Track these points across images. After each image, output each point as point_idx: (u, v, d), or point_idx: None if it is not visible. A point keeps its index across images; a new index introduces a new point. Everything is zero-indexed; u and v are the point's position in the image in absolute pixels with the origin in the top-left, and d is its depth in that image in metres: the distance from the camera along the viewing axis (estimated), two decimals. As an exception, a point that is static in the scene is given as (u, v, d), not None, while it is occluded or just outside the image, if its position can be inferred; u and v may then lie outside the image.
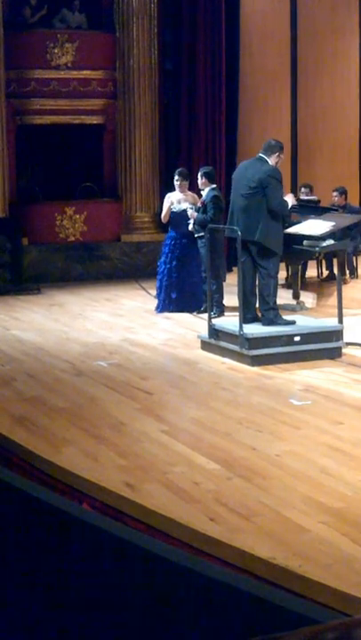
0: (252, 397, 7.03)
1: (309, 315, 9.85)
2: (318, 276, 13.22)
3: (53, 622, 2.60)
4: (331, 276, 12.79)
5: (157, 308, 11.09)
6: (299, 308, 10.70)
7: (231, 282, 10.69)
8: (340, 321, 8.59)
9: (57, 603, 2.60)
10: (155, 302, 11.30)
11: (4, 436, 6.07)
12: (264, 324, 8.44)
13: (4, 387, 7.54)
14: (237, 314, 8.43)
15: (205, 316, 9.12)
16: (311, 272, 13.11)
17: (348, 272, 13.08)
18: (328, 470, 5.27)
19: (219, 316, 10.04)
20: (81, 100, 14.36)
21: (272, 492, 4.93)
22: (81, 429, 6.21)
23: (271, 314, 8.49)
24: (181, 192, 11.03)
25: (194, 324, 10.08)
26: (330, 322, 8.87)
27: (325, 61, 16.65)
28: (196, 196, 11.00)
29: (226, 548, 4.26)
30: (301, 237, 10.21)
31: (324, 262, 13.22)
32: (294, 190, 14.95)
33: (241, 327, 8.14)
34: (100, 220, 14.41)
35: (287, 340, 8.21)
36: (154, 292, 11.69)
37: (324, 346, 8.28)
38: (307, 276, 12.81)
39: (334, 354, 8.28)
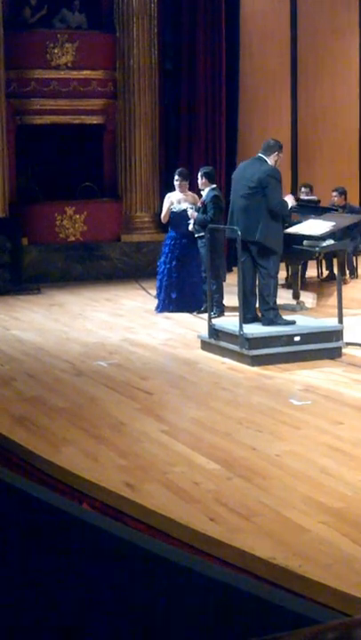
0: (252, 397, 7.04)
1: (309, 315, 9.85)
2: (318, 276, 13.22)
3: (53, 622, 2.60)
4: (331, 276, 12.80)
5: (157, 307, 11.09)
6: (299, 307, 10.71)
7: (231, 282, 10.69)
8: (340, 321, 8.59)
9: (57, 603, 2.60)
10: (155, 302, 11.30)
11: (4, 436, 6.07)
12: (264, 324, 8.44)
13: (4, 387, 7.54)
14: (237, 314, 8.43)
15: (205, 316, 9.12)
16: (311, 272, 13.11)
17: (348, 272, 13.08)
18: (328, 470, 5.27)
19: (219, 316, 10.04)
20: (81, 99, 14.36)
21: (272, 492, 4.93)
22: (81, 429, 6.21)
23: (271, 314, 8.49)
24: (181, 192, 11.03)
25: (194, 324, 10.08)
26: (330, 322, 8.87)
27: (325, 61, 16.65)
28: (196, 196, 11.00)
29: (226, 547, 4.26)
30: (301, 237, 10.21)
31: (324, 262, 13.22)
32: (294, 190, 14.95)
33: (241, 327, 8.14)
34: (100, 219, 14.41)
35: (287, 339, 8.21)
36: (154, 292, 11.69)
37: (324, 346, 8.28)
38: (307, 276, 12.81)
39: (334, 354, 8.28)
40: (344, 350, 8.38)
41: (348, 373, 7.76)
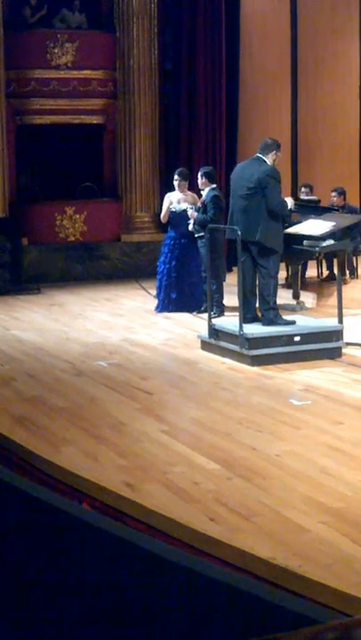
0: (252, 397, 7.04)
1: (309, 315, 9.85)
2: (318, 276, 13.22)
3: (53, 622, 2.60)
4: (331, 276, 12.80)
5: (157, 307, 11.09)
6: (299, 307, 10.71)
7: (231, 282, 10.69)
8: (340, 321, 8.59)
9: (57, 603, 2.60)
10: (155, 302, 11.31)
11: (4, 436, 6.07)
12: (264, 324, 8.44)
13: (4, 387, 7.54)
14: (237, 314, 8.43)
15: (205, 315, 9.12)
16: (311, 272, 13.11)
17: (348, 272, 13.08)
18: (328, 470, 5.27)
19: (219, 315, 10.04)
20: (81, 99, 14.36)
21: (272, 492, 4.93)
22: (81, 429, 6.21)
23: (271, 314, 8.49)
24: (181, 192, 11.03)
25: (194, 324, 10.08)
26: (330, 322, 8.87)
27: (325, 61, 16.65)
28: (195, 196, 11.00)
29: (226, 547, 4.26)
30: (301, 237, 10.21)
31: (324, 262, 13.23)
32: (294, 190, 14.95)
33: (241, 327, 8.14)
34: (100, 219, 14.41)
35: (287, 340, 8.21)
36: (154, 292, 11.69)
37: (324, 346, 8.28)
38: (307, 275, 12.81)
39: (334, 354, 8.28)
40: (344, 350, 8.38)
41: (348, 373, 7.76)
